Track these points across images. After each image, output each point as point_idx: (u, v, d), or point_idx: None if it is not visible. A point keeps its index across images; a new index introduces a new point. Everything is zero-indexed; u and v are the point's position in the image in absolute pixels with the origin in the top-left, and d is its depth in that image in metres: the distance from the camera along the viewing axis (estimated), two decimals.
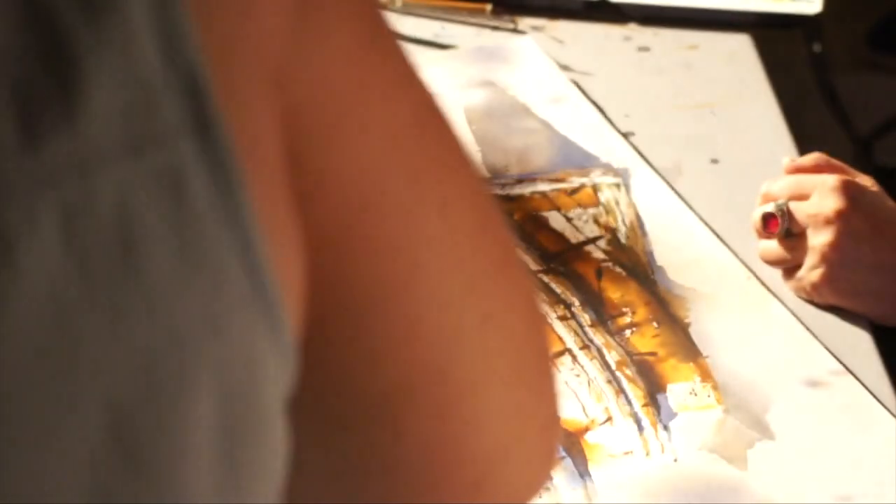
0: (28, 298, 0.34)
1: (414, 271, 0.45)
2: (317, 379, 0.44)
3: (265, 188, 0.39)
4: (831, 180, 1.01)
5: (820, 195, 1.00)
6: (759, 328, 0.98)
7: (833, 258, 0.99)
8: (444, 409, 0.46)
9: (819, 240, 0.99)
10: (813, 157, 1.06)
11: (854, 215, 0.99)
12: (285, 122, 0.41)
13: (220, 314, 0.37)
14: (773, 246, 1.03)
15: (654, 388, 0.93)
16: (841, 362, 0.95)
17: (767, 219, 1.02)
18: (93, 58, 0.35)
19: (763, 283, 1.02)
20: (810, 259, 1.00)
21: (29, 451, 0.34)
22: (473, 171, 0.50)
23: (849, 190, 1.00)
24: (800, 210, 1.01)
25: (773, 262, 1.03)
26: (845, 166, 1.05)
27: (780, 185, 1.03)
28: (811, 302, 1.02)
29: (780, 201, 1.02)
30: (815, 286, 1.00)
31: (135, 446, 0.36)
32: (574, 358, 0.95)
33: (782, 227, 1.01)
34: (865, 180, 1.03)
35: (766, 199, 1.03)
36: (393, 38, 0.47)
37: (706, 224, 1.08)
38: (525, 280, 0.50)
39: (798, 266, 1.02)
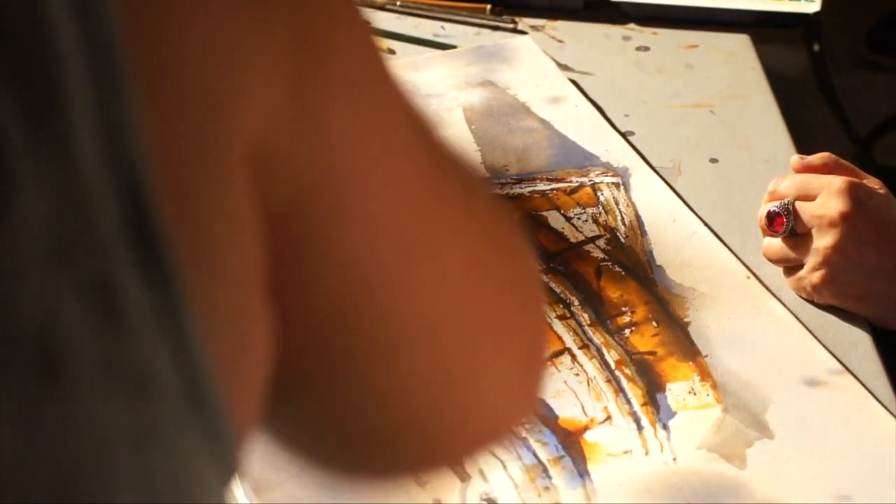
0: None
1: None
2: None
3: (227, 287, 0.38)
4: (838, 182, 1.01)
5: (826, 196, 1.00)
6: (758, 327, 0.98)
7: (835, 261, 0.99)
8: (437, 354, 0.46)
9: (822, 242, 0.99)
10: (821, 157, 1.06)
11: (858, 218, 0.99)
12: (281, 210, 0.40)
13: (147, 426, 0.36)
14: (776, 244, 1.03)
15: (653, 388, 0.93)
16: (840, 362, 0.95)
17: (773, 217, 1.02)
18: (27, 164, 0.33)
19: (762, 283, 1.02)
20: (812, 260, 1.00)
21: None
22: (489, 234, 0.49)
23: (855, 192, 1.00)
24: (805, 210, 1.01)
25: (775, 261, 1.04)
26: (853, 167, 1.05)
27: (787, 184, 1.03)
28: (811, 301, 1.02)
29: (787, 200, 1.02)
30: (816, 287, 1.00)
31: None
32: (573, 357, 0.95)
33: (787, 226, 1.01)
34: (873, 182, 1.03)
35: (773, 197, 1.03)
36: (396, 89, 0.44)
37: (705, 223, 1.08)
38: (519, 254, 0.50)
39: (800, 265, 1.02)
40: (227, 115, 0.37)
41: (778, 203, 1.02)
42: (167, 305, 0.36)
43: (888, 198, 1.02)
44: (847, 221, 0.99)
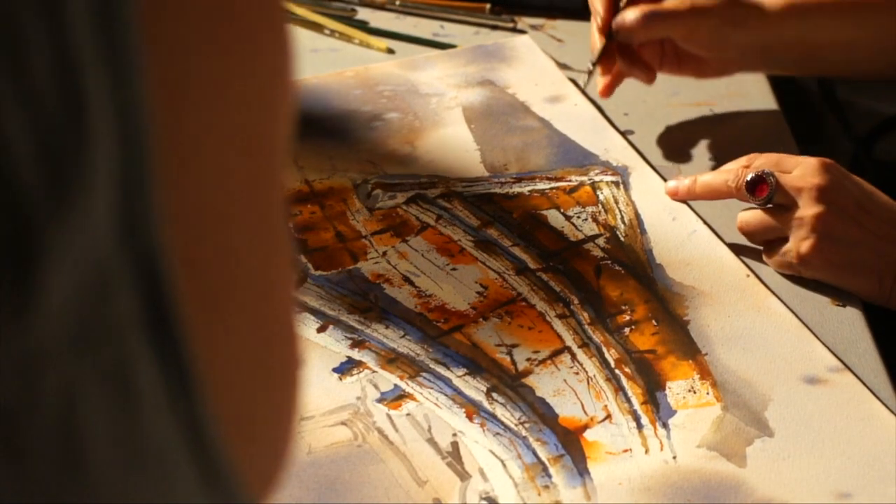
0: None
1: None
2: None
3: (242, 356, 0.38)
4: (812, 159, 1.03)
5: (803, 170, 1.02)
6: (758, 326, 0.98)
7: (822, 230, 1.01)
8: None
9: (809, 210, 1.01)
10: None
11: (838, 192, 1.01)
12: None
13: None
14: (757, 215, 1.03)
15: (652, 386, 0.93)
16: (840, 359, 0.95)
17: (755, 183, 1.03)
18: (55, 250, 0.32)
19: (762, 281, 1.02)
20: (799, 230, 1.01)
21: None
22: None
23: (831, 168, 1.02)
24: (786, 180, 1.02)
25: (755, 232, 1.04)
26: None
27: (762, 160, 1.05)
28: (798, 281, 1.02)
29: (766, 170, 1.02)
30: (803, 257, 1.01)
31: None
32: (573, 356, 0.95)
33: (770, 192, 1.02)
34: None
35: (746, 170, 1.04)
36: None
37: (705, 222, 1.08)
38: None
39: (779, 240, 1.03)
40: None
41: (758, 171, 1.03)
42: (179, 387, 0.36)
43: (853, 175, 1.04)
44: (828, 193, 1.01)
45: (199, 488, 0.37)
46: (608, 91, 1.21)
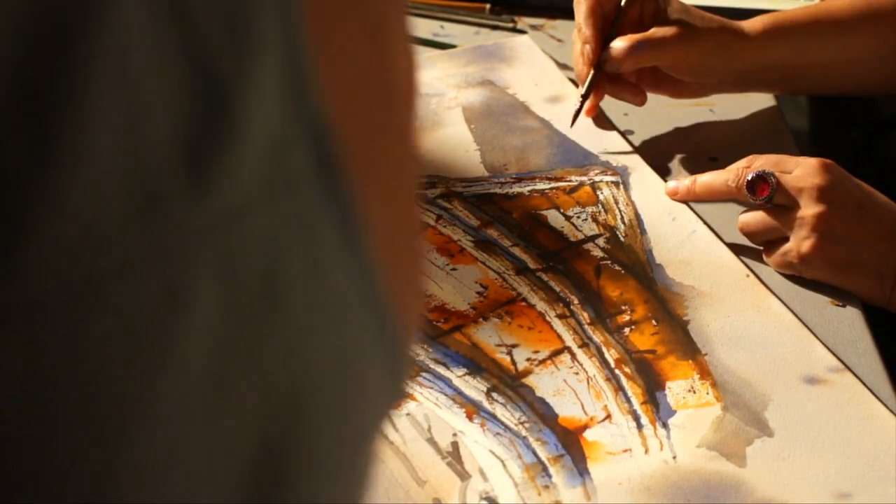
0: (190, 353, 0.34)
1: None
2: None
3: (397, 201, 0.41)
4: (812, 160, 1.03)
5: (803, 170, 1.03)
6: (757, 326, 0.98)
7: (823, 229, 1.01)
8: None
9: (810, 210, 1.01)
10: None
11: (839, 191, 1.02)
12: None
13: (349, 357, 0.38)
14: (757, 216, 1.04)
15: (652, 386, 0.93)
16: (840, 359, 0.95)
17: (755, 183, 1.03)
18: (246, 101, 0.35)
19: (762, 281, 1.02)
20: (800, 230, 1.01)
21: (184, 483, 0.35)
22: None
23: (831, 168, 1.03)
24: (787, 180, 1.03)
25: (756, 233, 1.04)
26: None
27: (762, 160, 1.05)
28: (799, 282, 1.02)
29: (767, 169, 1.03)
30: (804, 257, 1.01)
31: (280, 476, 0.37)
32: (573, 356, 0.95)
33: (771, 192, 1.03)
34: None
35: (746, 171, 1.05)
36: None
37: (705, 222, 1.08)
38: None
39: (779, 240, 1.03)
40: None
41: (759, 171, 1.03)
42: (350, 235, 0.38)
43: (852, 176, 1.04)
44: (829, 193, 1.01)
45: (373, 336, 0.39)
46: (593, 111, 1.21)
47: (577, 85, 1.24)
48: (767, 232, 1.04)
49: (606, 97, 1.22)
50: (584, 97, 1.18)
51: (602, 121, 1.21)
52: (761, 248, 1.05)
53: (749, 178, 1.03)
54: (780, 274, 1.04)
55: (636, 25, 1.17)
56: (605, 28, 1.17)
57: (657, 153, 1.17)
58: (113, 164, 0.32)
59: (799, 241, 1.02)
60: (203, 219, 0.34)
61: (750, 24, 1.17)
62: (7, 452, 0.33)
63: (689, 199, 1.09)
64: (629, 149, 1.16)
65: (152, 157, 0.33)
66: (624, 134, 1.19)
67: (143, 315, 0.33)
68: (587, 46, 1.17)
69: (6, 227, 0.32)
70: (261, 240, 0.35)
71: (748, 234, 1.06)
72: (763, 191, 1.03)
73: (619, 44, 1.15)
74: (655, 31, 1.15)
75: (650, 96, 1.24)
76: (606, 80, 1.19)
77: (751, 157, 1.06)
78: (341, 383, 0.38)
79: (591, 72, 1.17)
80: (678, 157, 1.17)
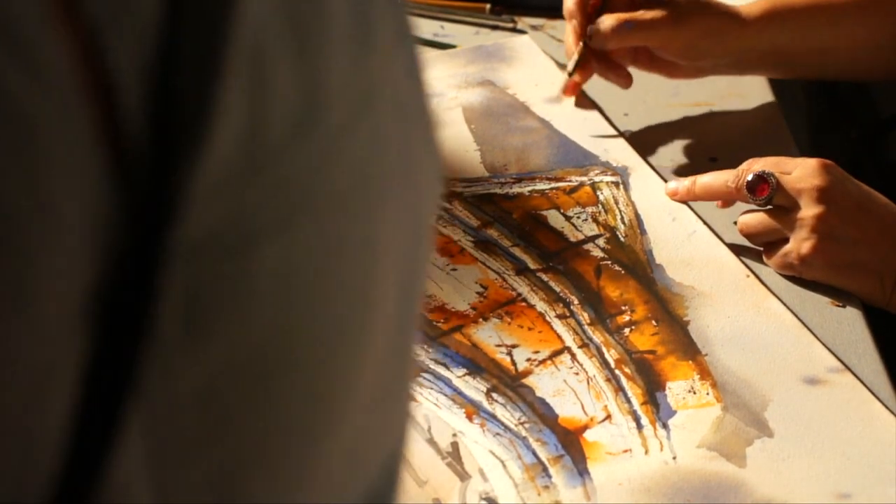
0: None
1: None
2: None
3: None
4: (812, 160, 1.03)
5: (803, 171, 1.03)
6: (757, 326, 0.98)
7: (823, 230, 1.01)
8: None
9: (810, 211, 1.01)
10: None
11: (838, 192, 1.02)
12: None
13: (407, 148, 0.41)
14: (757, 217, 1.04)
15: (652, 386, 0.93)
16: (840, 360, 0.95)
17: (755, 184, 1.03)
18: None
19: (762, 282, 1.02)
20: (800, 231, 1.01)
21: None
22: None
23: (830, 169, 1.03)
24: (786, 181, 1.03)
25: (757, 234, 1.04)
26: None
27: (762, 162, 1.05)
28: (798, 282, 1.02)
29: (767, 170, 1.03)
30: (805, 258, 1.01)
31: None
32: (573, 356, 0.95)
33: (771, 192, 1.02)
34: None
35: (744, 171, 1.05)
36: None
37: (705, 222, 1.08)
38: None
39: (780, 241, 1.03)
40: None
41: (759, 171, 1.03)
42: (401, 29, 0.40)
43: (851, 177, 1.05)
44: (829, 194, 1.01)
45: (420, 128, 0.41)
46: (573, 90, 1.21)
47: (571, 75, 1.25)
48: (767, 233, 1.04)
49: (604, 95, 1.22)
50: (570, 74, 1.19)
51: (583, 100, 1.21)
52: (761, 248, 1.05)
53: (749, 178, 1.03)
54: (780, 275, 1.04)
55: (628, 6, 1.17)
56: (596, 5, 1.17)
57: (657, 153, 1.17)
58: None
59: (799, 242, 1.02)
60: None
61: (747, 9, 1.17)
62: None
63: (688, 200, 1.09)
64: (628, 148, 1.16)
65: None
66: (624, 134, 1.19)
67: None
68: (574, 21, 1.17)
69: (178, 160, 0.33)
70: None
71: (748, 235, 1.05)
72: (763, 191, 1.03)
73: (605, 21, 1.15)
74: (644, 13, 1.15)
75: (650, 97, 1.24)
76: (594, 58, 1.19)
77: (751, 160, 1.06)
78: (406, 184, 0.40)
79: (580, 46, 1.17)
80: (678, 157, 1.17)
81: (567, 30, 1.20)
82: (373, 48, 0.38)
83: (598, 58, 1.19)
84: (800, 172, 1.03)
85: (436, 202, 0.43)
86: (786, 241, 1.03)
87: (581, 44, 1.18)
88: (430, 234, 0.43)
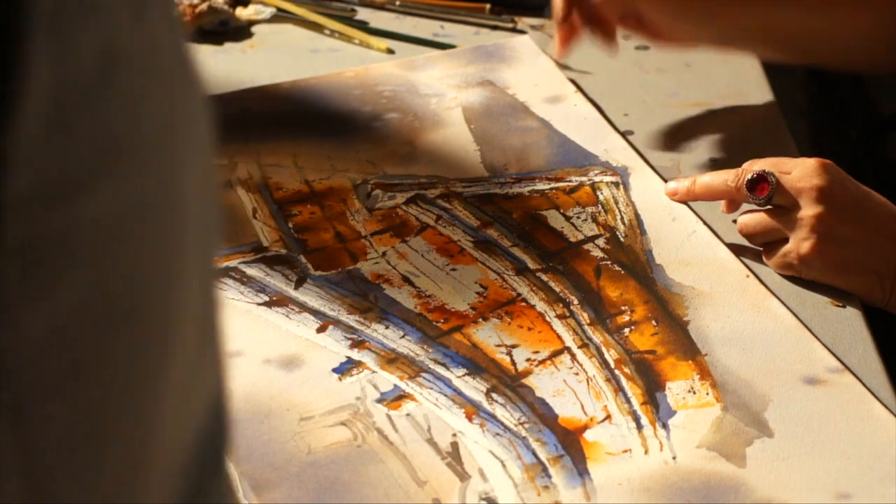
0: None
1: None
2: None
3: None
4: (811, 160, 1.04)
5: (802, 171, 1.03)
6: (757, 326, 0.98)
7: (822, 230, 1.01)
8: None
9: (810, 211, 1.01)
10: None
11: (838, 192, 1.02)
12: None
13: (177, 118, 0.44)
14: (757, 217, 1.05)
15: (652, 387, 0.93)
16: (840, 360, 0.95)
17: (755, 183, 1.04)
18: None
19: (762, 282, 1.02)
20: (800, 231, 1.02)
21: None
22: None
23: (830, 168, 1.03)
24: (786, 181, 1.03)
25: (756, 234, 1.05)
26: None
27: (762, 162, 1.05)
28: (797, 281, 1.02)
29: (766, 170, 1.03)
30: (804, 258, 1.01)
31: None
32: (573, 356, 0.95)
33: (771, 191, 1.03)
34: None
35: (744, 171, 1.05)
36: None
37: (705, 223, 1.08)
38: None
39: (779, 241, 1.03)
40: None
41: (758, 171, 1.03)
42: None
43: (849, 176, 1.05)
44: (828, 193, 1.02)
45: (195, 100, 0.44)
46: (564, 48, 1.22)
47: (577, 85, 1.25)
48: (767, 233, 1.04)
49: (604, 95, 1.22)
50: (559, 21, 1.21)
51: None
52: (761, 249, 1.05)
53: (749, 177, 1.03)
54: (780, 275, 1.04)
55: None
56: None
57: (657, 153, 1.17)
58: None
59: (798, 242, 1.02)
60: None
61: None
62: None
63: (688, 200, 1.09)
64: (628, 148, 1.16)
65: None
66: (624, 134, 1.19)
67: None
68: None
69: None
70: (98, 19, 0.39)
71: (747, 235, 1.06)
72: (762, 190, 1.03)
73: None
74: None
75: (649, 97, 1.24)
76: (582, 12, 1.19)
77: (751, 160, 1.06)
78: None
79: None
80: (678, 157, 1.17)
81: None
82: (149, 13, 0.41)
83: (585, 11, 1.19)
84: (799, 172, 1.03)
85: (213, 158, 0.46)
86: (785, 241, 1.03)
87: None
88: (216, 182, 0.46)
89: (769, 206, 1.04)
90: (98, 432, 0.40)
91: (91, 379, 0.39)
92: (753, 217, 1.04)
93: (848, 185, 1.03)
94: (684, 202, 1.10)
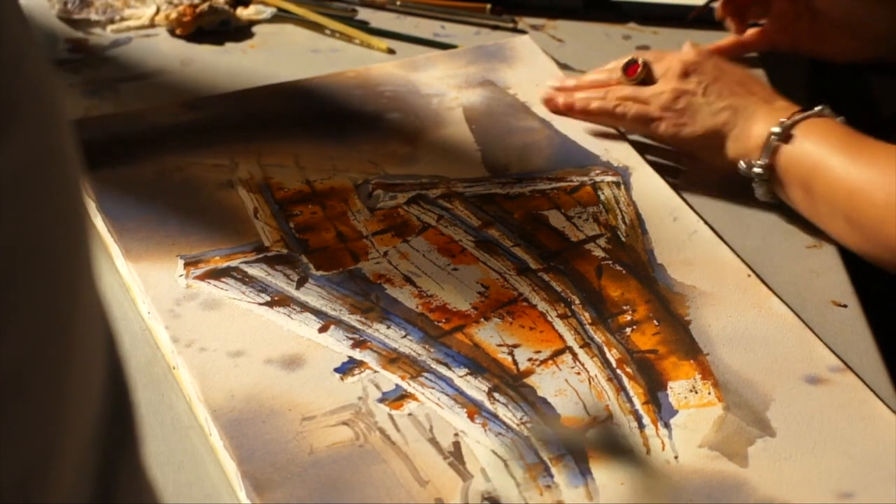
0: None
1: None
2: None
3: None
4: (690, 50, 1.17)
5: (673, 56, 1.16)
6: (759, 325, 0.98)
7: (682, 97, 1.12)
8: None
9: (670, 84, 1.14)
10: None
11: (702, 64, 1.14)
12: None
13: None
14: (627, 88, 1.16)
15: (654, 386, 0.93)
16: (841, 359, 0.95)
17: (629, 64, 1.16)
18: None
19: (763, 281, 1.02)
20: (660, 96, 1.14)
21: None
22: None
23: (700, 50, 1.16)
24: (658, 63, 1.16)
25: (625, 99, 1.16)
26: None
27: (643, 53, 1.18)
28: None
29: (642, 58, 1.16)
30: (656, 114, 1.13)
31: None
32: (574, 356, 0.95)
33: (641, 72, 1.15)
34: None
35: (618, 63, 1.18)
36: None
37: (706, 222, 1.08)
38: None
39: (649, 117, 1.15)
40: None
41: (633, 57, 1.17)
42: None
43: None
44: (691, 65, 1.14)
45: None
46: (730, 50, 1.29)
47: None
48: (632, 96, 1.15)
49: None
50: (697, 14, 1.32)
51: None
52: (760, 250, 1.05)
53: (625, 61, 1.16)
54: (779, 274, 1.04)
55: None
56: None
57: (657, 153, 1.17)
58: None
59: (655, 101, 1.13)
60: None
61: None
62: None
63: (570, 107, 1.19)
64: (629, 148, 1.16)
65: None
66: (624, 134, 1.19)
67: None
68: None
69: None
70: None
71: (617, 110, 1.16)
72: (632, 72, 1.16)
73: None
74: None
75: None
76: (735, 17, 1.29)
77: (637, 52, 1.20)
78: None
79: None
80: (678, 156, 1.17)
81: None
82: None
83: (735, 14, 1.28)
84: (672, 56, 1.15)
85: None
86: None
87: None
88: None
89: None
90: (5, 392, 0.40)
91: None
92: (622, 89, 1.16)
93: (714, 61, 1.14)
94: (568, 112, 1.18)
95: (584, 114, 1.17)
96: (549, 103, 1.19)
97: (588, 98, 1.17)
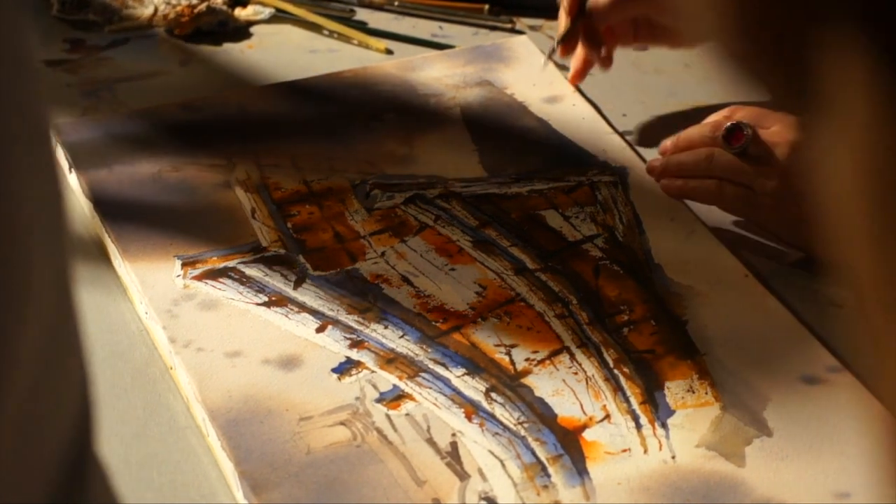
0: None
1: None
2: None
3: None
4: (792, 116, 1.07)
5: (783, 126, 1.05)
6: (756, 325, 0.98)
7: (788, 186, 1.04)
8: None
9: (780, 165, 1.04)
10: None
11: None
12: None
13: None
14: (728, 156, 1.06)
15: (651, 386, 0.93)
16: (839, 359, 0.95)
17: (733, 131, 1.06)
18: None
19: (761, 281, 1.02)
20: (767, 180, 1.04)
21: None
22: None
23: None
24: (764, 135, 1.05)
25: (723, 169, 1.06)
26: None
27: (744, 110, 1.08)
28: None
29: (746, 121, 1.05)
30: (761, 203, 1.04)
31: None
32: (572, 356, 0.95)
33: (746, 142, 1.05)
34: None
35: (723, 121, 1.08)
36: None
37: (703, 222, 1.08)
38: None
39: (737, 185, 1.06)
40: None
41: (737, 122, 1.06)
42: None
43: None
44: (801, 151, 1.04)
45: None
46: (579, 77, 1.22)
47: (575, 85, 1.24)
48: (733, 172, 1.06)
49: (601, 93, 1.22)
50: (558, 43, 1.20)
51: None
52: (760, 249, 1.05)
53: (726, 126, 1.06)
54: (779, 274, 1.04)
55: None
56: None
57: (655, 153, 1.17)
58: None
59: (762, 186, 1.04)
60: None
61: None
62: None
63: (667, 174, 1.11)
64: (627, 148, 1.16)
65: None
66: (622, 134, 1.19)
67: None
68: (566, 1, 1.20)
69: None
70: None
71: (716, 167, 1.07)
72: (737, 141, 1.05)
73: None
74: None
75: (648, 98, 1.24)
76: (584, 34, 1.20)
77: (732, 107, 1.09)
78: None
79: (568, 21, 1.19)
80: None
81: (562, 6, 1.20)
82: None
83: (587, 35, 1.19)
84: (777, 127, 1.05)
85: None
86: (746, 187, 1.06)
87: (573, 16, 1.18)
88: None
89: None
90: None
91: None
92: (725, 155, 1.06)
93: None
94: (668, 180, 1.10)
95: (682, 196, 1.11)
96: (652, 173, 1.13)
97: (684, 174, 1.10)
